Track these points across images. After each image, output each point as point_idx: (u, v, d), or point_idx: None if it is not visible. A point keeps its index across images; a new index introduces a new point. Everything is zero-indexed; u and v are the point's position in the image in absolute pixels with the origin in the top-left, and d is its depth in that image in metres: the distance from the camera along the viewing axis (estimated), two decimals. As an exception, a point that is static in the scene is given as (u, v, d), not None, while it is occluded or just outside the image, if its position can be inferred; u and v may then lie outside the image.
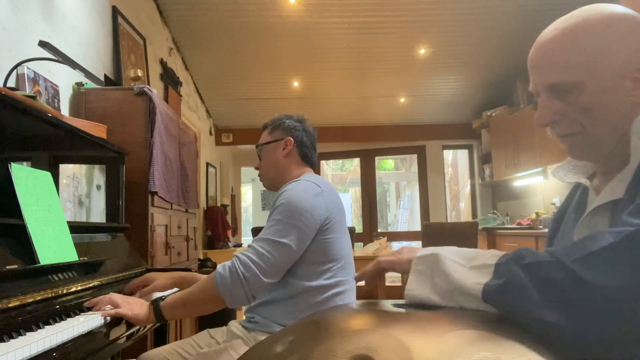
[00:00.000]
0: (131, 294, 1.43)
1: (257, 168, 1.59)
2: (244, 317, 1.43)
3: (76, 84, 2.23)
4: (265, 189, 1.64)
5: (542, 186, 4.93)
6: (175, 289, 1.56)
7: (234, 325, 1.43)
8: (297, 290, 1.32)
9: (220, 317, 1.51)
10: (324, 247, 1.34)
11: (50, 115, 1.40)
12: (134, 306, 1.21)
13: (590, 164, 0.85)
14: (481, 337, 0.50)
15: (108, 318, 1.16)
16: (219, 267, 1.24)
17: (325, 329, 0.54)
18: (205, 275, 1.33)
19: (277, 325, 1.32)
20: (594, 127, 0.74)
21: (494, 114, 5.39)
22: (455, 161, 8.05)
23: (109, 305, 1.21)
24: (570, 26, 0.75)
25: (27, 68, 1.77)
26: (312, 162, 1.58)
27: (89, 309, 1.20)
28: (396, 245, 6.66)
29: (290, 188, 1.35)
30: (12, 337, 0.87)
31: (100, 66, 2.61)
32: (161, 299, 1.25)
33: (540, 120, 0.79)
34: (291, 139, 1.52)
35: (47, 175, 1.32)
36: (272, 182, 1.55)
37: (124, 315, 1.18)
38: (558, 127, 0.78)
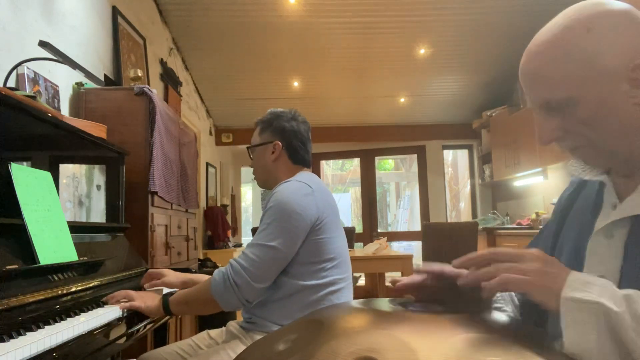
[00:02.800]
0: (141, 287, 1.54)
1: (250, 166, 1.59)
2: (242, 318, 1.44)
3: (76, 84, 2.23)
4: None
5: (542, 186, 4.93)
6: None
7: (232, 325, 1.44)
8: (292, 290, 1.32)
9: (219, 318, 1.52)
10: (317, 247, 1.34)
11: (50, 115, 1.40)
12: (147, 299, 1.32)
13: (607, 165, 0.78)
14: (487, 341, 0.50)
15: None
16: (215, 272, 1.28)
17: (328, 329, 0.54)
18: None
19: (275, 325, 1.32)
20: (599, 138, 0.68)
21: (494, 114, 5.39)
22: (455, 161, 8.05)
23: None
24: (552, 37, 0.68)
25: (27, 68, 1.77)
26: (304, 161, 1.54)
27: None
28: (396, 246, 6.65)
29: (280, 190, 1.35)
30: (12, 337, 0.87)
31: (100, 66, 2.61)
32: (171, 294, 1.33)
33: (541, 139, 0.73)
34: (279, 143, 1.49)
35: (47, 175, 1.32)
36: (265, 183, 1.56)
37: (137, 308, 1.29)
38: (563, 143, 0.73)
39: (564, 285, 0.59)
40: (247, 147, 1.58)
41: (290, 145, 1.50)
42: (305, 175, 1.46)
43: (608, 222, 0.70)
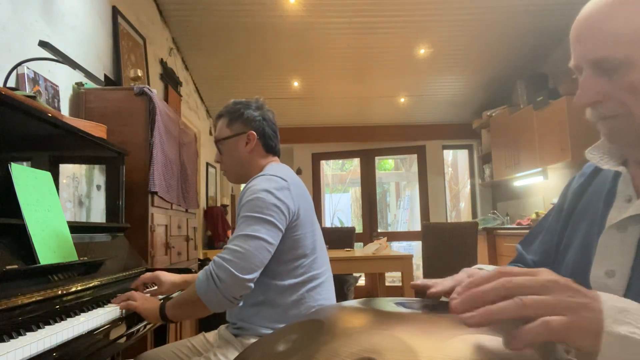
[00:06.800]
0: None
1: (217, 161, 1.53)
2: None
3: (76, 84, 2.23)
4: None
5: (542, 186, 4.93)
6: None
7: (222, 330, 1.43)
8: (272, 291, 1.30)
9: (215, 320, 1.50)
10: (293, 244, 1.32)
11: (50, 115, 1.40)
12: (147, 303, 1.30)
13: (628, 150, 0.74)
14: (489, 342, 0.49)
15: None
16: (200, 272, 1.23)
17: (328, 329, 0.54)
18: None
19: (262, 328, 1.30)
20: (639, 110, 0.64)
21: (494, 114, 5.39)
22: (455, 161, 8.05)
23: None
24: None
25: (27, 68, 1.77)
26: (276, 150, 1.51)
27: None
28: (396, 246, 6.64)
29: (255, 184, 1.31)
30: (12, 337, 0.87)
31: (100, 66, 2.60)
32: (169, 297, 1.31)
33: (581, 99, 0.68)
34: (253, 132, 1.45)
35: (47, 175, 1.32)
36: (238, 177, 1.50)
37: (136, 308, 1.28)
38: (600, 108, 0.68)
39: (602, 317, 0.47)
40: (216, 142, 1.51)
41: (264, 134, 1.47)
42: (277, 167, 1.42)
43: (624, 217, 0.67)
